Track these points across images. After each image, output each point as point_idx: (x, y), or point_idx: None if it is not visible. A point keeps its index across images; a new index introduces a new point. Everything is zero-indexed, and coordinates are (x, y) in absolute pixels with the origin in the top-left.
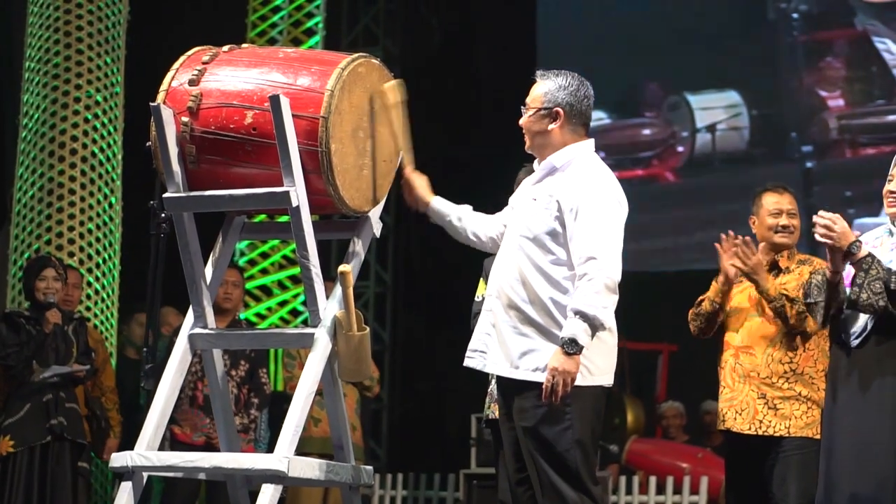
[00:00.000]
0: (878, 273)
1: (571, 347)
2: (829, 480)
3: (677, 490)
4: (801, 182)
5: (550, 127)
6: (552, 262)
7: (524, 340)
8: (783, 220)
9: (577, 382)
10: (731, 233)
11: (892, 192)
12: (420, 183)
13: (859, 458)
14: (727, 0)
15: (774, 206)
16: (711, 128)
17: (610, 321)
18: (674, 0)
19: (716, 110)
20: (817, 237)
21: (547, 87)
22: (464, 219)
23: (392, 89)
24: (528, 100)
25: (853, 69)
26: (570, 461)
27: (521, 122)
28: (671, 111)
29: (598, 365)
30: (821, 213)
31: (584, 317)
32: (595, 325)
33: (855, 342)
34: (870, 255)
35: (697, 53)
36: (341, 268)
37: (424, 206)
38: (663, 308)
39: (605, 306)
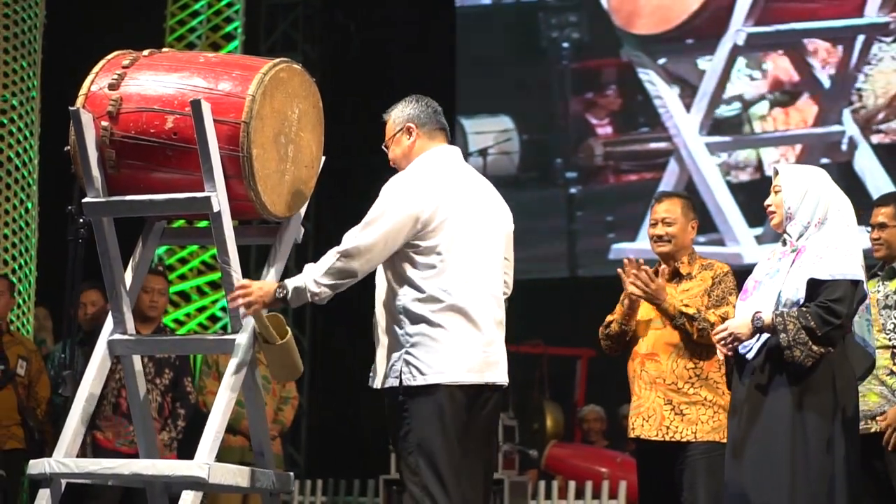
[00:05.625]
0: (794, 326)
1: (280, 291)
2: (732, 490)
3: (596, 495)
4: (565, 207)
5: (408, 143)
6: (392, 273)
7: (378, 351)
8: (656, 230)
9: (410, 383)
10: (631, 258)
11: (768, 206)
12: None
13: (757, 468)
14: (501, 26)
15: (652, 216)
16: (483, 152)
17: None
18: (449, 25)
19: (488, 135)
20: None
21: (393, 116)
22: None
23: None
24: (386, 139)
25: (620, 98)
26: (411, 463)
27: (390, 158)
28: None
29: (430, 364)
30: (718, 332)
31: (302, 280)
32: (302, 293)
33: (750, 354)
34: (775, 316)
35: (472, 78)
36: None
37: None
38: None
39: (323, 283)
